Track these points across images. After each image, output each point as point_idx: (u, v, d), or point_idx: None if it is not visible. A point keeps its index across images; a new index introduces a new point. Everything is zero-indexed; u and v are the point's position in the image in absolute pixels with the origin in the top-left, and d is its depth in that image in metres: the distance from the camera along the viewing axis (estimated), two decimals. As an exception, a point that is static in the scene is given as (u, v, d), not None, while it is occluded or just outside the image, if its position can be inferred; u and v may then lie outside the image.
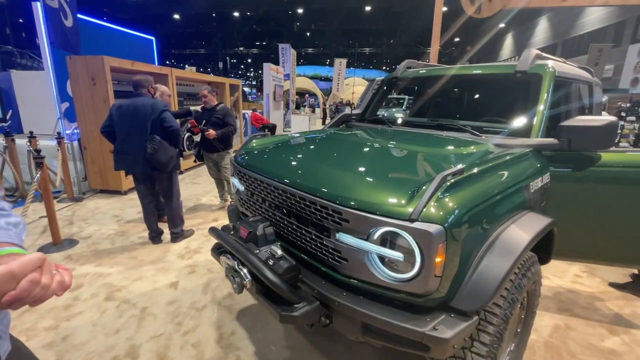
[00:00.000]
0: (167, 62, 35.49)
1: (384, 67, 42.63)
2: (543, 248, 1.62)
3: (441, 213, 1.10)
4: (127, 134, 2.89)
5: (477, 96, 2.77)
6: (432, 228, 1.06)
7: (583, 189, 1.84)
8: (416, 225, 1.08)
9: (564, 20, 18.57)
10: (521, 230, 1.31)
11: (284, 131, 12.04)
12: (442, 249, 1.07)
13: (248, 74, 50.35)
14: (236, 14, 28.76)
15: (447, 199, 1.14)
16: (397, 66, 2.87)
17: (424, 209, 1.09)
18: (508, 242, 1.26)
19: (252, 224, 1.49)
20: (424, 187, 1.17)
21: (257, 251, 1.40)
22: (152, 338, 1.98)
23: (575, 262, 2.47)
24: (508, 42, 26.86)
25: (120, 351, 1.88)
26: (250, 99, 22.97)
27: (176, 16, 28.35)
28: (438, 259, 1.08)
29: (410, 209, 1.11)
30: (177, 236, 3.26)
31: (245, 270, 1.42)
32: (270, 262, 1.33)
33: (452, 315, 1.16)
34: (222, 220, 3.90)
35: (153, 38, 8.38)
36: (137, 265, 2.85)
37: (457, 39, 30.60)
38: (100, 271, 2.73)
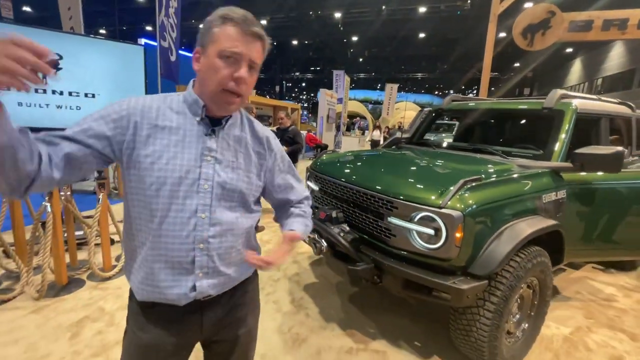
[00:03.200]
0: (231, 85, 39.23)
1: (436, 92, 42.30)
2: (555, 250, 2.05)
3: (461, 205, 1.65)
4: None
5: (509, 126, 3.21)
6: (454, 213, 1.61)
7: (595, 201, 2.24)
8: (444, 210, 1.64)
9: (642, 44, 17.19)
10: (525, 225, 1.79)
11: (334, 151, 12.84)
12: (460, 227, 1.62)
13: (300, 97, 53.40)
14: (295, 42, 31.31)
15: (466, 196, 1.69)
16: (447, 96, 3.44)
17: (450, 201, 1.65)
18: (513, 232, 1.75)
19: (328, 210, 2.15)
20: (451, 188, 1.73)
21: (332, 227, 2.04)
22: (243, 295, 2.70)
23: (591, 260, 2.84)
24: (576, 68, 25.27)
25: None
26: (301, 121, 24.47)
27: (243, 45, 31.60)
28: (458, 235, 1.62)
29: (441, 201, 1.68)
30: (252, 229, 4.06)
31: (322, 240, 2.07)
32: (342, 234, 1.97)
33: (468, 278, 1.68)
34: (285, 221, 4.65)
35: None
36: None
37: (516, 65, 29.63)
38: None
